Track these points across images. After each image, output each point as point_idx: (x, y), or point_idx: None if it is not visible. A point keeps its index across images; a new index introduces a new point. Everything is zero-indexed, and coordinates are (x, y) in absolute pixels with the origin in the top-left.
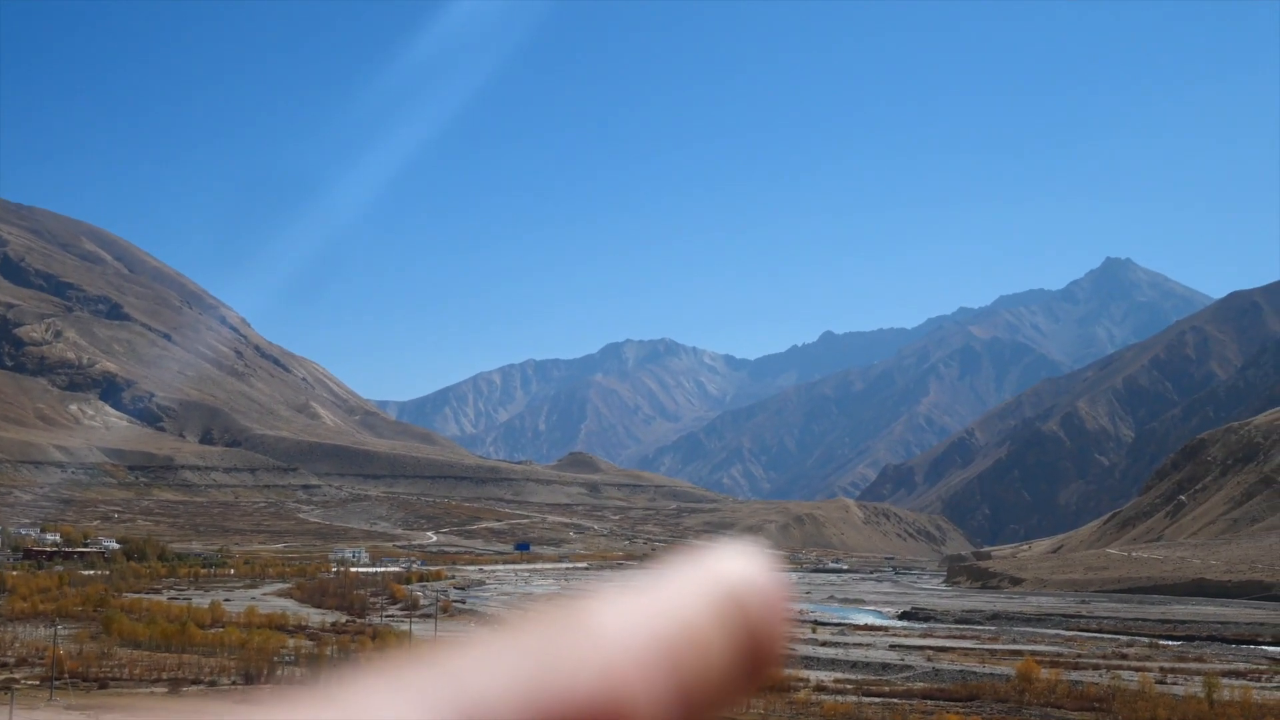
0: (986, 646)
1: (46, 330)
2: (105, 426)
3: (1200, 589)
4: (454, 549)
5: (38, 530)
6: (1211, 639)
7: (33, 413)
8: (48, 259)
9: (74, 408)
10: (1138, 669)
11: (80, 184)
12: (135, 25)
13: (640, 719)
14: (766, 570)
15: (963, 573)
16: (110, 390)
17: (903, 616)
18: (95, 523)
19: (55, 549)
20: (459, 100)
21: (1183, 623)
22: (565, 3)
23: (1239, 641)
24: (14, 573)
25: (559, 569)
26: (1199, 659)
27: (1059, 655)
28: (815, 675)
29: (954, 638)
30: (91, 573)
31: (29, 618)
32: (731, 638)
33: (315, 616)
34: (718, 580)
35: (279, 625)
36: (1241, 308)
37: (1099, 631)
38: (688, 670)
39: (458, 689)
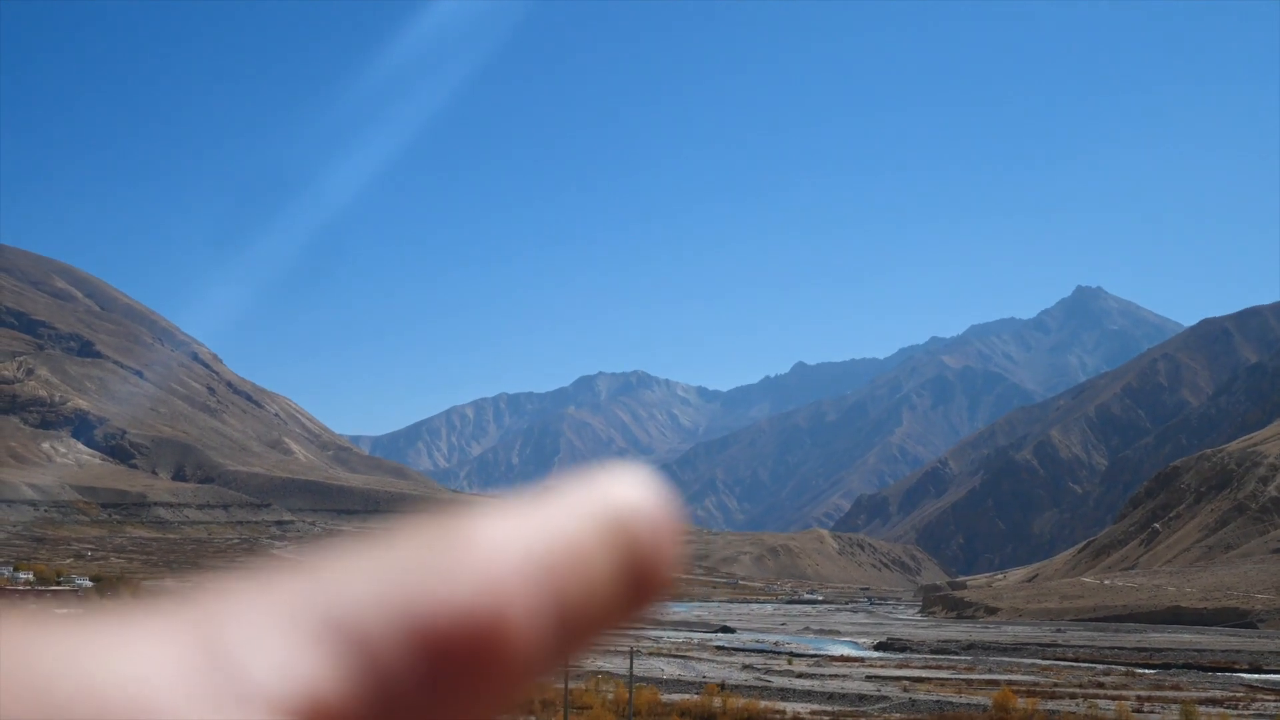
0: (963, 676)
1: (18, 368)
2: (78, 464)
3: (1176, 616)
4: None
5: (10, 569)
6: (1188, 666)
7: (4, 451)
8: (19, 297)
9: (46, 445)
10: (1114, 698)
11: (50, 221)
12: (99, 58)
13: (517, 631)
14: (657, 496)
15: (938, 603)
16: (82, 427)
17: (879, 647)
18: (68, 560)
19: (29, 587)
20: (422, 129)
21: (1159, 650)
22: (527, 29)
23: (1215, 669)
24: None
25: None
26: (1175, 687)
27: (1035, 685)
28: (792, 707)
29: (930, 668)
30: (65, 611)
31: None
32: (616, 560)
33: None
34: (605, 502)
35: None
36: (1213, 335)
37: (1075, 660)
38: (568, 588)
39: (327, 596)
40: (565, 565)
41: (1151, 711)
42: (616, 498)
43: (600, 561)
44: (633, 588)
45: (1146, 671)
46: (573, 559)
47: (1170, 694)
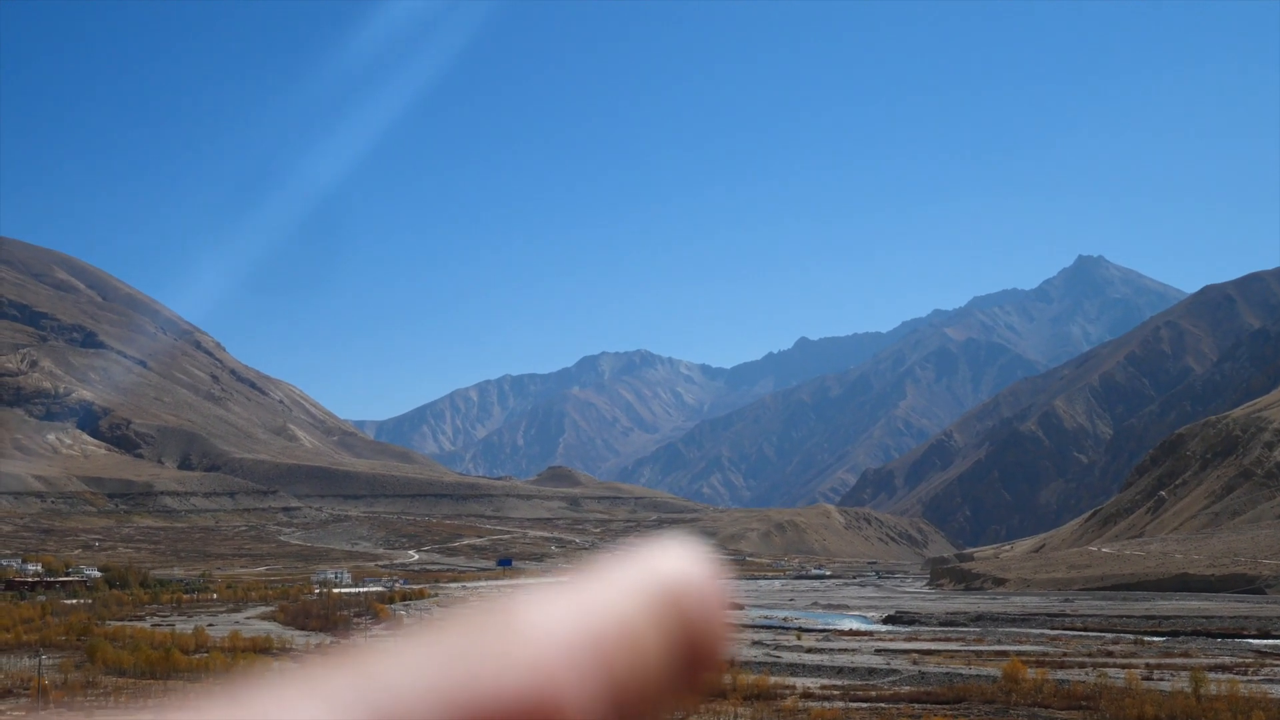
0: (972, 648)
1: (21, 360)
2: (83, 455)
3: (1184, 584)
4: (436, 567)
5: (19, 561)
6: (1196, 633)
7: (10, 443)
8: (20, 289)
9: (51, 437)
10: (1124, 666)
11: (50, 213)
12: (94, 55)
13: (569, 713)
14: (706, 568)
15: (946, 575)
16: (87, 418)
17: (887, 620)
18: (76, 551)
19: (37, 579)
20: (424, 115)
21: (1167, 618)
22: (533, 13)
23: (1224, 635)
24: None
25: (542, 583)
26: (1184, 654)
27: (1045, 655)
28: (801, 682)
29: (939, 640)
30: (74, 602)
31: (12, 648)
32: (667, 636)
33: (299, 639)
34: (654, 578)
35: (263, 649)
36: (1215, 301)
37: (1084, 630)
38: (620, 668)
39: (374, 689)
40: (615, 644)
41: (1161, 679)
42: (665, 572)
43: (651, 638)
44: (685, 663)
45: (1155, 639)
46: (623, 637)
47: (1179, 661)
